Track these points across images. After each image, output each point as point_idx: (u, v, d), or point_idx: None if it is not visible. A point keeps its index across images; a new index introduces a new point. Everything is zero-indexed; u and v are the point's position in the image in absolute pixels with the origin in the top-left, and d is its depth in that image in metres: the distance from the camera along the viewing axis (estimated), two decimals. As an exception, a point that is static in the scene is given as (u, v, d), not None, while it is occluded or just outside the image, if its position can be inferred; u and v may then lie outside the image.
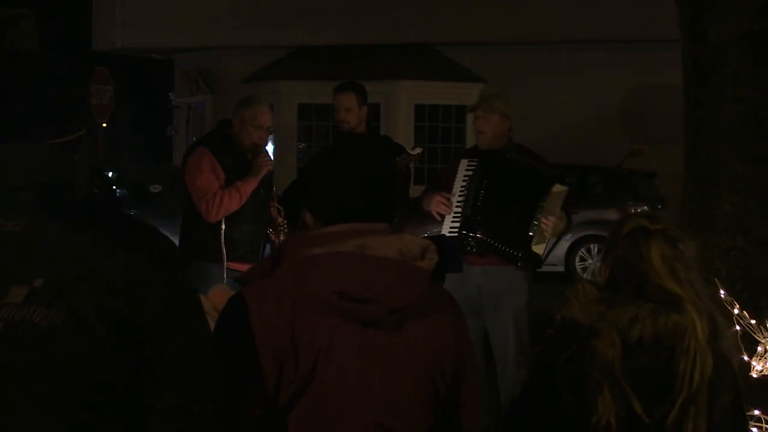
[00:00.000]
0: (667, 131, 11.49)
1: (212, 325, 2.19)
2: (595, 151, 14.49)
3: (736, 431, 2.62)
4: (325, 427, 2.16)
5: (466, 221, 5.62)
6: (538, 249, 5.54)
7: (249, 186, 5.51)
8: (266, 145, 5.75)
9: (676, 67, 5.36)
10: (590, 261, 13.77)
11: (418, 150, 5.75)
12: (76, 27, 24.73)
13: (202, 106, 19.09)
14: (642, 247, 2.56)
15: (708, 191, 4.88)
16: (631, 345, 2.51)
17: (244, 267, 5.43)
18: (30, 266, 1.94)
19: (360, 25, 16.37)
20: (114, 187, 15.68)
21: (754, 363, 4.19)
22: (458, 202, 5.66)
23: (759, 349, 4.20)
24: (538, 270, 5.75)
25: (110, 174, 16.23)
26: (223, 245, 5.49)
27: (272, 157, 5.85)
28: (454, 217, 5.65)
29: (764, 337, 4.21)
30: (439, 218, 5.70)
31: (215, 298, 3.47)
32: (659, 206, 13.30)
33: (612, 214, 12.04)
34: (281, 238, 5.70)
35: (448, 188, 5.72)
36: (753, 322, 4.24)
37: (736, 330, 2.63)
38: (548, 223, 5.47)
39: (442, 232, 5.63)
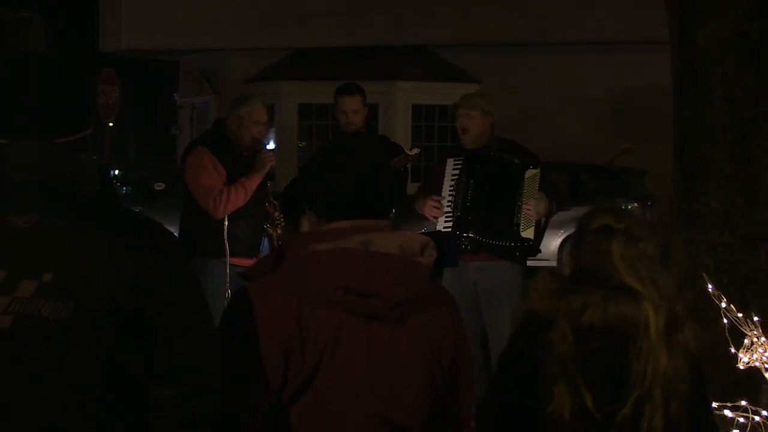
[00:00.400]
0: (656, 130, 11.49)
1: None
2: (588, 149, 14.50)
3: (697, 422, 2.60)
4: (329, 418, 2.16)
5: (458, 222, 5.71)
6: (528, 234, 5.64)
7: (253, 182, 5.51)
8: (268, 142, 5.75)
9: (665, 68, 5.37)
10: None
11: (416, 150, 5.77)
12: (83, 29, 24.71)
13: (206, 106, 19.06)
14: (604, 245, 2.57)
15: (696, 188, 4.88)
16: (582, 331, 2.52)
17: (243, 262, 5.43)
18: (39, 261, 1.94)
19: (358, 27, 16.36)
20: (118, 184, 15.66)
21: (741, 355, 4.20)
22: (448, 203, 5.75)
23: (745, 341, 4.21)
24: (533, 263, 5.79)
25: (116, 172, 16.21)
26: (225, 241, 5.47)
27: (274, 155, 5.84)
28: (446, 219, 5.72)
29: (751, 330, 4.21)
30: (434, 220, 5.78)
31: None
32: (649, 203, 13.31)
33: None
34: (278, 231, 5.70)
35: (438, 188, 5.81)
36: (740, 315, 4.25)
37: (696, 326, 2.61)
38: (530, 207, 5.58)
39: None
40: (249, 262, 5.45)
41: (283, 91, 17.04)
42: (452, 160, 5.85)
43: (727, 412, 4.07)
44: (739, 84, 4.79)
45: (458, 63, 16.98)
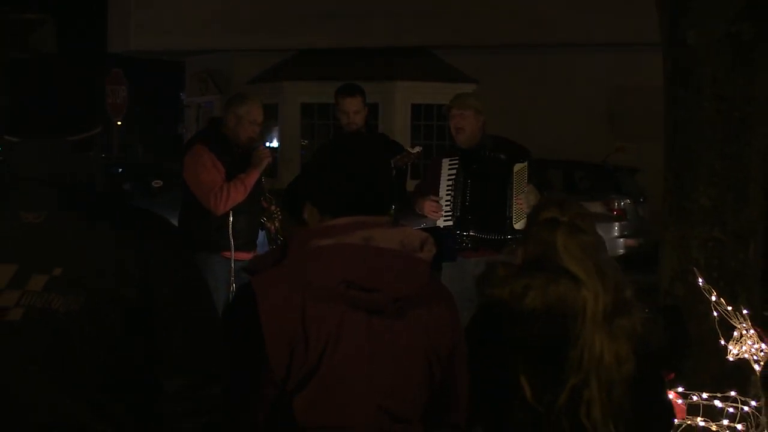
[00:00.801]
0: (648, 129, 11.47)
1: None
2: (582, 148, 14.50)
3: (645, 404, 2.57)
4: (331, 409, 2.16)
5: (458, 222, 5.72)
6: (521, 226, 5.64)
7: (252, 178, 5.51)
8: (269, 140, 5.74)
9: (657, 68, 5.36)
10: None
11: (418, 149, 5.78)
12: (92, 31, 24.70)
13: (212, 105, 19.06)
14: (549, 236, 2.59)
15: (687, 185, 4.87)
16: (524, 315, 2.52)
17: (242, 256, 5.44)
18: (49, 256, 1.94)
19: (359, 29, 16.35)
20: (124, 180, 15.64)
21: (730, 347, 4.20)
22: (447, 202, 5.77)
23: (735, 333, 4.21)
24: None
25: (120, 170, 16.17)
26: (230, 237, 5.46)
27: (276, 153, 5.84)
28: (445, 218, 5.72)
29: (740, 323, 4.21)
30: (434, 219, 5.79)
31: None
32: (641, 200, 13.30)
33: (597, 207, 12.04)
34: (276, 225, 5.71)
35: (433, 187, 5.82)
36: (729, 308, 4.25)
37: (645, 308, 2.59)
38: (521, 200, 5.60)
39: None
40: (248, 256, 5.46)
41: (285, 90, 17.05)
42: (447, 159, 5.86)
43: (717, 403, 4.08)
44: (729, 84, 4.78)
45: (456, 64, 17.01)
